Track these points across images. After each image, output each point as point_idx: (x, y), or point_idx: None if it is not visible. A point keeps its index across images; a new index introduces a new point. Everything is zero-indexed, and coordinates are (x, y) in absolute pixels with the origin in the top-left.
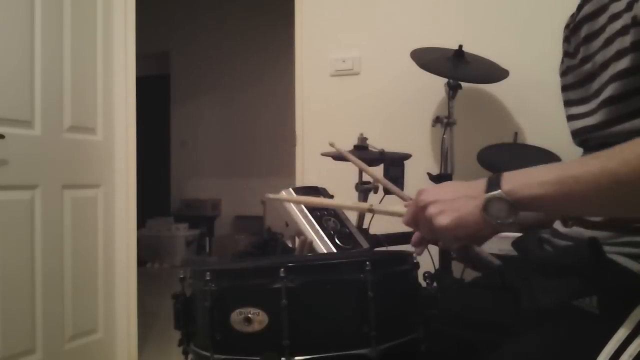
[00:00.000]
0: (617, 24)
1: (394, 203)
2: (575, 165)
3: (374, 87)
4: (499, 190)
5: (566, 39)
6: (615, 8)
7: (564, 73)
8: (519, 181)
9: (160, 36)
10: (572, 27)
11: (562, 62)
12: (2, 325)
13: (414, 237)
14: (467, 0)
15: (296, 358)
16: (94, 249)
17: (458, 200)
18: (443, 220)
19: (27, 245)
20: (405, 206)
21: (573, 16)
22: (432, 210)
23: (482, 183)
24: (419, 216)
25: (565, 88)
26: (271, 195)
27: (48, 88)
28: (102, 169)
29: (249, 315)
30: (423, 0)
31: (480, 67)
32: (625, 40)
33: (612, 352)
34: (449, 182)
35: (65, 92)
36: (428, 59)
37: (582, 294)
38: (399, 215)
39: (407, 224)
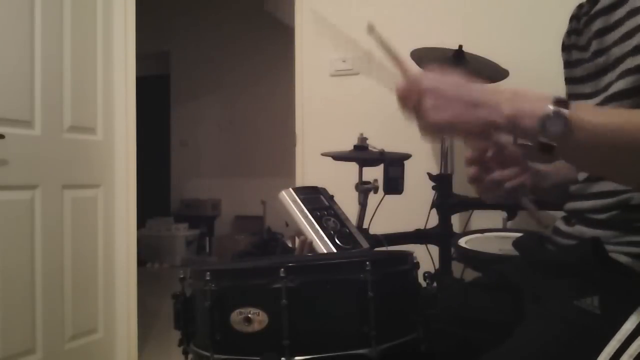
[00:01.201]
0: (638, 19)
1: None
2: (626, 114)
3: (374, 87)
4: (566, 111)
5: (575, 31)
6: (635, 3)
7: (570, 64)
8: (588, 110)
9: (160, 36)
10: (585, 20)
11: (569, 52)
12: (2, 325)
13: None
14: (467, 0)
15: (296, 358)
16: (94, 249)
17: (459, 102)
18: (436, 116)
19: (27, 245)
20: (407, 68)
21: (581, 7)
22: (429, 100)
23: (485, 91)
24: (412, 95)
25: (571, 81)
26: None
27: (48, 88)
28: (102, 169)
29: (249, 315)
30: (423, 1)
31: (480, 67)
32: None
33: (613, 352)
34: (456, 77)
35: (65, 92)
36: (428, 59)
37: (583, 294)
38: (399, 67)
39: (398, 93)
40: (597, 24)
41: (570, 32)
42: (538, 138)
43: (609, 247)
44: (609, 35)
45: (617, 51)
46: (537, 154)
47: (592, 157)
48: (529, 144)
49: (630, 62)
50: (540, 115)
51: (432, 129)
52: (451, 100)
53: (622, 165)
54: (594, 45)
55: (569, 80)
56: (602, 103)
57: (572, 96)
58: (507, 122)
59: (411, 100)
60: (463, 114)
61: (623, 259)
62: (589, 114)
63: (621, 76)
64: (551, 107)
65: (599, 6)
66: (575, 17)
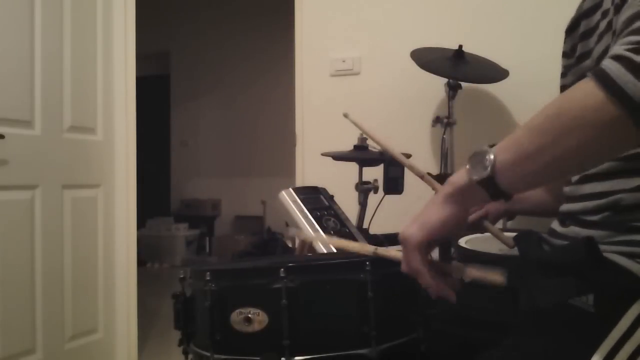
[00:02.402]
0: (607, 20)
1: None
2: (528, 121)
3: (374, 87)
4: (485, 146)
5: (564, 40)
6: (606, 4)
7: (562, 75)
8: (504, 140)
9: (160, 36)
10: (569, 26)
11: (563, 57)
12: (2, 325)
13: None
14: (467, 0)
15: (296, 358)
16: (94, 249)
17: (423, 211)
18: (410, 232)
19: (27, 245)
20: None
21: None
22: (405, 234)
23: (439, 191)
24: (404, 252)
25: (564, 88)
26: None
27: (48, 88)
28: (102, 169)
29: (249, 315)
30: (423, 1)
31: (480, 67)
32: (610, 37)
33: (608, 350)
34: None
35: (65, 92)
36: (428, 59)
37: (578, 293)
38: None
39: (405, 270)
40: (582, 28)
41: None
42: (472, 178)
43: (602, 247)
44: (591, 38)
45: (595, 53)
46: (494, 197)
47: (530, 168)
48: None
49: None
50: (468, 162)
51: (414, 241)
52: (417, 216)
53: (560, 159)
54: (579, 49)
55: (562, 89)
56: None
57: None
58: (452, 187)
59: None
60: (428, 212)
61: (617, 258)
62: (502, 142)
63: None
64: (474, 151)
65: (583, 8)
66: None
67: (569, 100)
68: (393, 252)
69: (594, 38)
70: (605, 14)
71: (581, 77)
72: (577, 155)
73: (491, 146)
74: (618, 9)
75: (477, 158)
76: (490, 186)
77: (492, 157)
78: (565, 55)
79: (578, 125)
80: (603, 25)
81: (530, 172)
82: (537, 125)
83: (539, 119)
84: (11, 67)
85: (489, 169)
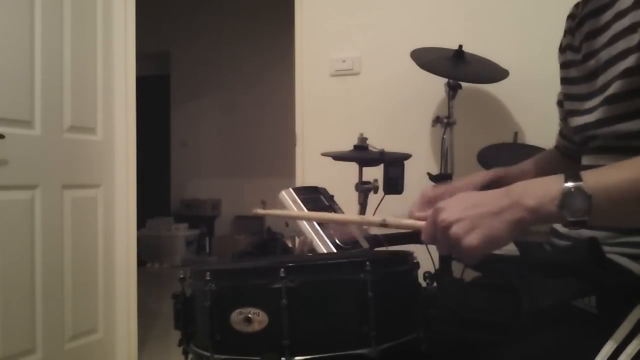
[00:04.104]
0: (624, 22)
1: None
2: (632, 166)
3: (374, 87)
4: (580, 182)
5: (570, 31)
6: (621, 5)
7: (565, 65)
8: (596, 173)
9: (160, 36)
10: (577, 22)
11: (564, 53)
12: (2, 325)
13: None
14: (467, 0)
15: (296, 358)
16: (94, 249)
17: (484, 217)
18: (472, 240)
19: (27, 245)
20: (417, 219)
21: (577, 6)
22: (457, 229)
23: (500, 195)
24: (440, 235)
25: (566, 81)
26: (260, 211)
27: (48, 88)
28: (102, 169)
29: (249, 315)
30: (423, 1)
31: (480, 67)
32: (633, 39)
33: (611, 352)
34: (464, 195)
35: (65, 92)
36: (428, 59)
37: (581, 294)
38: (416, 229)
39: (427, 241)
40: (586, 27)
41: (566, 32)
42: (567, 219)
43: (605, 248)
44: (598, 38)
45: (605, 54)
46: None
47: (618, 215)
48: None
49: (619, 66)
50: (559, 197)
51: (474, 253)
52: (475, 218)
53: None
54: (584, 49)
55: (564, 81)
56: (598, 105)
57: (568, 96)
58: (532, 214)
59: (442, 239)
60: (493, 226)
61: (620, 259)
62: (600, 176)
63: (612, 81)
64: (567, 185)
65: (587, 9)
66: (571, 16)
67: None
68: (406, 220)
69: (602, 39)
70: (620, 15)
71: (586, 76)
72: None
73: (575, 176)
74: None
75: (570, 198)
76: (578, 224)
77: (589, 204)
78: (572, 48)
79: None
80: (618, 27)
81: (622, 220)
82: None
83: None
84: (11, 67)
85: (586, 214)
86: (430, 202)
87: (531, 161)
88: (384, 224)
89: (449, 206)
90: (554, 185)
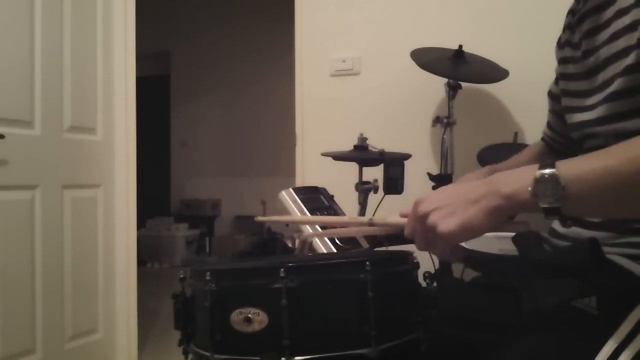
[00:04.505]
0: (625, 20)
1: (393, 214)
2: (605, 156)
3: (374, 87)
4: (553, 169)
5: (569, 27)
6: (623, 3)
7: (563, 61)
8: (571, 162)
9: (160, 36)
10: (577, 19)
11: (562, 48)
12: (2, 325)
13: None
14: (467, 0)
15: (296, 358)
16: (94, 249)
17: (460, 205)
18: (448, 225)
19: (27, 245)
20: (402, 216)
21: (578, 2)
22: (433, 217)
23: (478, 184)
24: (418, 226)
25: (564, 77)
26: (261, 218)
27: (48, 88)
28: (102, 169)
29: (249, 315)
30: (423, 1)
31: (480, 67)
32: (634, 37)
33: (610, 352)
34: (444, 187)
35: (65, 92)
36: (428, 59)
37: (581, 295)
38: (400, 227)
39: (409, 236)
40: (587, 24)
41: (566, 27)
42: (540, 205)
43: (605, 249)
44: (598, 35)
45: (605, 52)
46: (549, 217)
47: (594, 203)
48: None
49: (620, 64)
50: (532, 183)
51: (449, 239)
52: (452, 205)
53: (623, 203)
54: (584, 45)
55: (563, 76)
56: (598, 103)
57: (567, 92)
58: (508, 202)
59: (422, 230)
60: (470, 212)
61: (620, 260)
62: (574, 163)
63: (613, 78)
64: (540, 171)
65: (588, 5)
66: (571, 12)
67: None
68: (391, 218)
69: (603, 36)
70: (621, 13)
71: (585, 72)
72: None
73: (550, 165)
74: None
75: (543, 184)
76: (552, 211)
77: (563, 186)
78: (570, 44)
79: None
80: (619, 24)
81: (599, 208)
82: (618, 170)
83: (621, 162)
84: (11, 67)
85: (559, 199)
86: None
87: (522, 157)
88: (371, 224)
89: (428, 197)
90: (529, 173)
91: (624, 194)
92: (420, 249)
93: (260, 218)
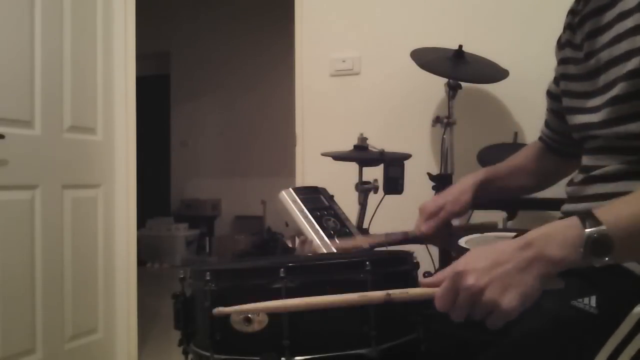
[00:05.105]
0: (627, 23)
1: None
2: None
3: (374, 87)
4: (602, 227)
5: (570, 27)
6: (624, 6)
7: (564, 61)
8: (611, 211)
9: (160, 36)
10: (578, 20)
11: (563, 49)
12: (2, 325)
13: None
14: (467, 0)
15: (296, 358)
16: (94, 249)
17: (514, 276)
18: (511, 302)
19: (27, 245)
20: (429, 285)
21: (578, 2)
22: (491, 294)
23: (521, 247)
24: (468, 301)
25: (565, 77)
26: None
27: (48, 88)
28: (102, 169)
29: (249, 316)
30: (423, 1)
31: (480, 67)
32: (636, 41)
33: (610, 352)
34: (480, 252)
35: (65, 92)
36: (428, 59)
37: (581, 294)
38: (428, 297)
39: (445, 309)
40: (588, 26)
41: (566, 27)
42: (592, 264)
43: None
44: (599, 38)
45: (606, 54)
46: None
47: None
48: None
49: (622, 68)
50: (583, 245)
51: (514, 315)
52: (507, 278)
53: None
54: (586, 47)
55: (563, 77)
56: (601, 106)
57: (568, 93)
58: (559, 267)
59: (467, 302)
60: (526, 282)
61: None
62: (614, 214)
63: (616, 82)
64: (588, 231)
65: (589, 7)
66: (571, 12)
67: None
68: (413, 290)
69: (604, 38)
70: (623, 16)
71: (587, 74)
72: None
73: (590, 217)
74: None
75: (595, 245)
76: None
77: (612, 244)
78: (571, 45)
79: None
80: (621, 27)
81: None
82: None
83: None
84: (11, 67)
85: (609, 257)
86: (431, 215)
87: (519, 158)
88: (388, 300)
89: (470, 268)
90: (574, 232)
91: None
92: (458, 319)
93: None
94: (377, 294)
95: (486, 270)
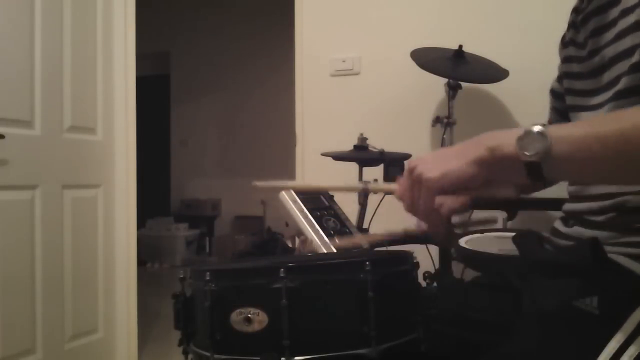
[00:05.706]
0: (630, 19)
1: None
2: (597, 123)
3: (374, 87)
4: (543, 128)
5: (574, 25)
6: (627, 2)
7: (567, 59)
8: (561, 125)
9: (160, 36)
10: (582, 19)
11: (566, 47)
12: (2, 325)
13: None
14: (467, 0)
15: (296, 358)
16: (94, 249)
17: (446, 157)
18: (431, 173)
19: (27, 245)
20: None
21: (582, 0)
22: (421, 168)
23: (469, 142)
24: (408, 181)
25: (569, 75)
26: (259, 183)
27: (48, 88)
28: (102, 169)
29: (249, 315)
30: (423, 1)
31: (480, 67)
32: (639, 36)
33: (612, 353)
34: (438, 150)
35: (65, 92)
36: (428, 59)
37: (582, 295)
38: (393, 192)
39: (401, 195)
40: (592, 24)
41: (570, 25)
42: (521, 158)
43: (607, 248)
44: (603, 35)
45: (611, 51)
46: (531, 179)
47: (576, 166)
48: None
49: (625, 63)
50: (518, 137)
51: (432, 185)
52: (438, 157)
53: (610, 171)
54: (590, 45)
55: (567, 75)
56: (607, 102)
57: (571, 91)
58: (491, 153)
59: (409, 184)
60: (453, 162)
61: (622, 259)
62: (563, 127)
63: (620, 77)
64: (529, 128)
65: (593, 5)
66: (575, 10)
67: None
68: (384, 185)
69: (608, 35)
70: (626, 12)
71: (591, 72)
72: (634, 180)
73: (540, 124)
74: None
75: (530, 138)
76: (533, 169)
77: (548, 144)
78: (575, 44)
79: None
80: (624, 23)
81: (579, 172)
82: (605, 135)
83: (611, 130)
84: (11, 67)
85: (540, 154)
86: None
87: None
88: (365, 189)
89: (420, 161)
90: (518, 131)
91: (606, 161)
92: (408, 209)
93: (258, 183)
94: (357, 184)
95: (428, 157)
